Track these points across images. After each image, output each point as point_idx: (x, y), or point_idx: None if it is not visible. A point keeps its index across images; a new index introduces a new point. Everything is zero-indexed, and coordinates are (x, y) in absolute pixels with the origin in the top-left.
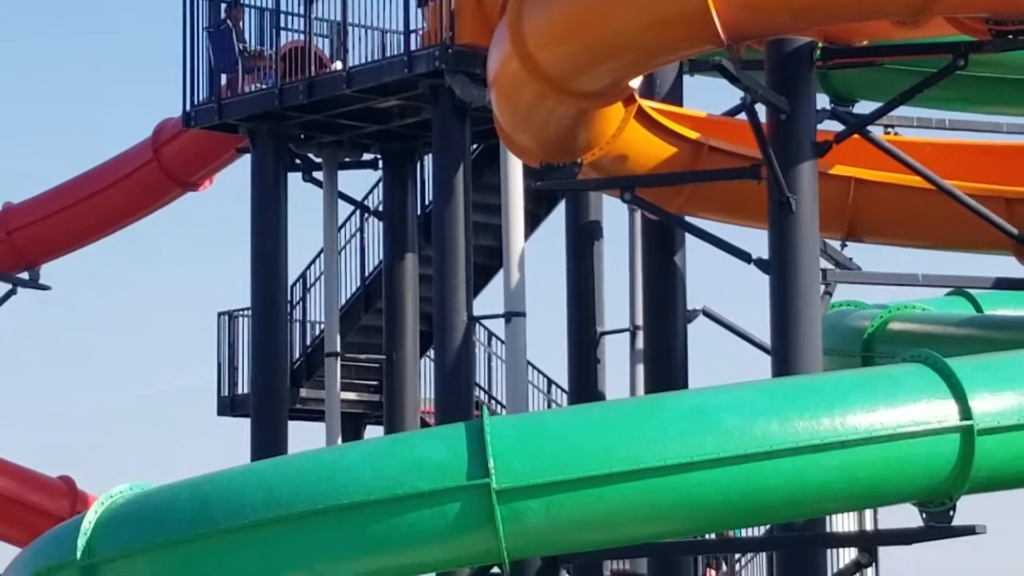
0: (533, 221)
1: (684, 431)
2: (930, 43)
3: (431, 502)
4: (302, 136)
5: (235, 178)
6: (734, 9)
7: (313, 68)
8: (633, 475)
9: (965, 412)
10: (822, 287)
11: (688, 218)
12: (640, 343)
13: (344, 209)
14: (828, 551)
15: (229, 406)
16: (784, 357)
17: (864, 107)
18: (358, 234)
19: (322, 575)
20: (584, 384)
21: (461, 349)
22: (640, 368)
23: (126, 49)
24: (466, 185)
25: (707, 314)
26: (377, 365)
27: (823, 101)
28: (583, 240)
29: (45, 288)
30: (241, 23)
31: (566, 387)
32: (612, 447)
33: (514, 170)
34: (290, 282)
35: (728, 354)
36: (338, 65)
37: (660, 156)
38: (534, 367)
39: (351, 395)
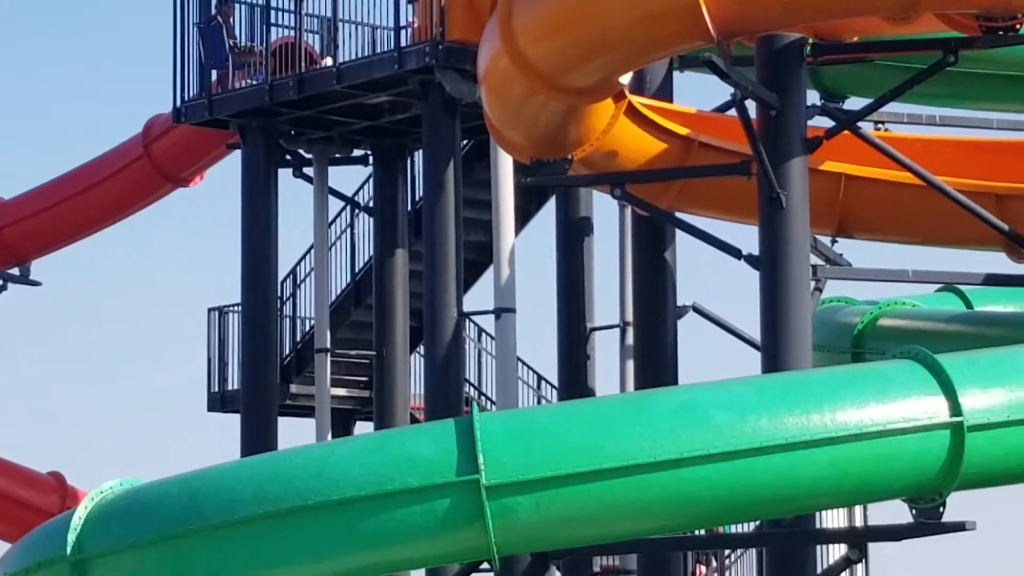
0: (523, 217)
1: (674, 427)
2: (920, 39)
3: (421, 498)
4: (292, 132)
5: (225, 174)
6: (724, 5)
7: (303, 64)
8: (623, 471)
9: (955, 408)
10: (812, 283)
11: (678, 214)
12: (630, 339)
13: (334, 205)
14: (817, 547)
15: (219, 402)
16: (774, 353)
17: (854, 103)
18: (348, 230)
19: (312, 571)
20: (574, 380)
21: (451, 345)
22: (630, 364)
23: (116, 45)
24: (456, 181)
25: (697, 310)
26: (367, 361)
27: (813, 97)
28: (573, 236)
29: (36, 284)
30: (231, 19)
31: (556, 383)
32: (602, 443)
33: (504, 166)
34: (280, 278)
35: (718, 350)
36: (328, 61)
37: (650, 152)
38: (524, 363)
39: (341, 391)
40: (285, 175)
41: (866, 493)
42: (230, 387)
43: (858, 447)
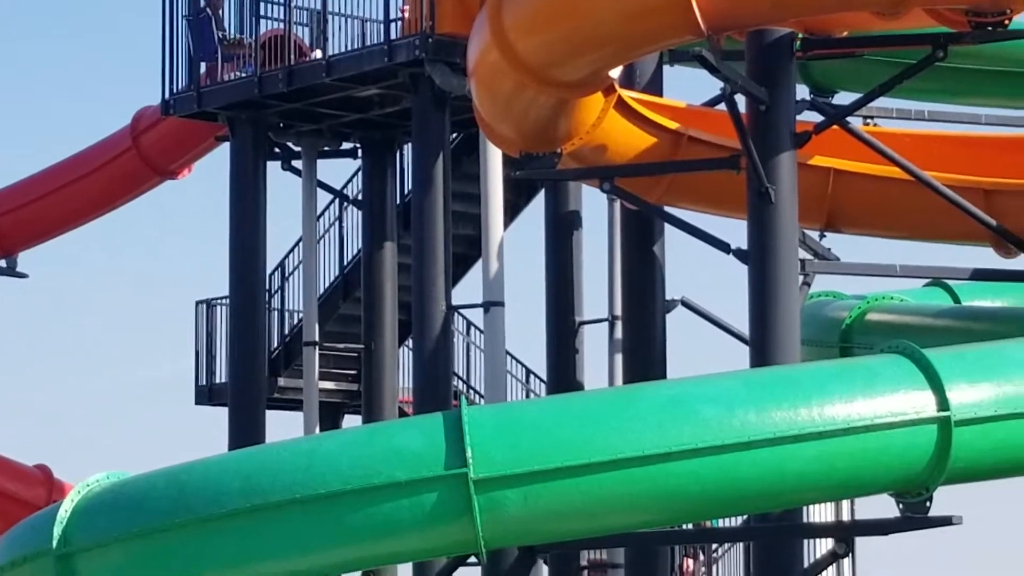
0: (512, 211)
1: (662, 421)
2: (910, 34)
3: (409, 492)
4: (281, 125)
5: (214, 166)
6: (714, 0)
7: (293, 56)
8: (611, 465)
9: (942, 403)
10: (801, 278)
11: (667, 208)
12: (619, 333)
13: (323, 198)
14: (804, 541)
15: (207, 395)
16: (762, 347)
17: (844, 98)
18: (337, 223)
19: (299, 565)
20: (563, 374)
21: (440, 339)
22: (619, 358)
23: (104, 37)
24: (445, 174)
25: (686, 304)
26: (355, 354)
27: (803, 92)
28: (562, 230)
29: (23, 276)
30: (220, 11)
31: (544, 377)
32: (590, 437)
33: (493, 159)
34: (269, 271)
35: (707, 344)
36: (318, 54)
37: (640, 146)
38: (513, 357)
39: (329, 384)
40: (274, 168)
41: (853, 487)
42: (218, 380)
43: (845, 441)
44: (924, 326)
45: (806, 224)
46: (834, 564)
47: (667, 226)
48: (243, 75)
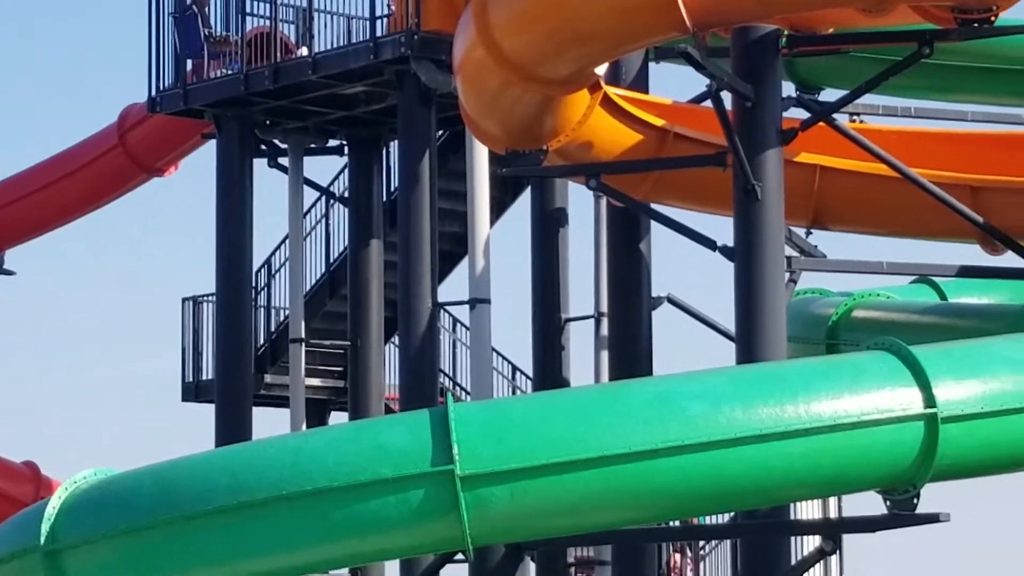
0: (499, 208)
1: (649, 418)
2: (896, 31)
3: (395, 488)
4: (267, 122)
5: (200, 164)
6: None
7: (279, 54)
8: (598, 462)
9: (929, 400)
10: (787, 275)
11: (653, 205)
12: (605, 330)
13: (309, 195)
14: (792, 538)
15: (193, 392)
16: (749, 344)
17: (830, 95)
18: (323, 220)
19: (285, 561)
20: (549, 371)
21: (426, 335)
22: (605, 355)
23: (91, 34)
24: (432, 171)
25: (672, 301)
26: (342, 351)
27: (789, 89)
28: (548, 227)
29: (10, 273)
30: (207, 8)
31: (531, 374)
32: (577, 434)
33: (480, 157)
34: (255, 268)
35: (693, 341)
36: (304, 51)
37: (626, 143)
38: (499, 354)
39: (316, 381)
40: (260, 165)
41: (840, 484)
42: (204, 377)
43: (832, 438)
44: (911, 323)
45: (792, 221)
46: (821, 561)
47: (653, 223)
48: (229, 72)
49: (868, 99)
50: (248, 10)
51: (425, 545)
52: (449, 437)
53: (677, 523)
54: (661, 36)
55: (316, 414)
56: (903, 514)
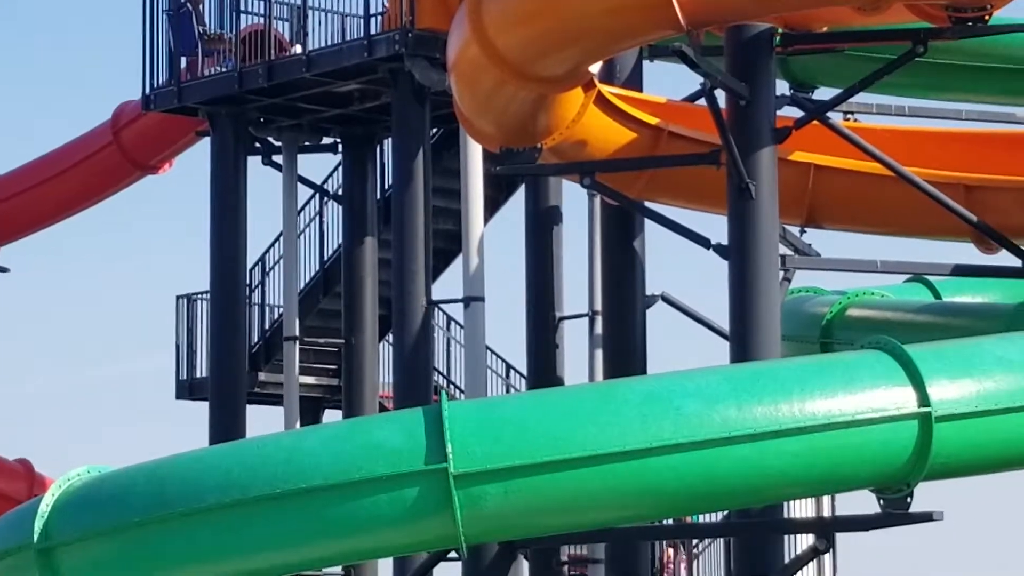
0: (492, 206)
1: (643, 416)
2: (890, 30)
3: (389, 487)
4: (262, 119)
5: (194, 161)
6: None
7: (273, 52)
8: (591, 460)
9: (923, 399)
10: (781, 273)
11: (647, 203)
12: (599, 328)
13: (303, 193)
14: (785, 537)
15: (187, 390)
16: (743, 343)
17: (824, 93)
18: (317, 218)
19: (280, 559)
20: (543, 369)
21: (420, 334)
22: (599, 353)
23: (85, 32)
24: (426, 169)
25: (666, 299)
26: (336, 349)
27: (783, 87)
28: (542, 225)
29: (4, 271)
30: (201, 6)
31: (525, 372)
32: (570, 432)
33: (474, 155)
34: (249, 266)
35: (687, 340)
36: (298, 49)
37: (620, 141)
38: (493, 352)
39: (310, 379)
40: (254, 163)
41: (834, 483)
42: (198, 375)
43: (826, 437)
44: (905, 322)
45: (786, 220)
46: (815, 560)
47: (647, 221)
48: (223, 70)
49: (862, 98)
50: (242, 8)
51: (419, 543)
52: (443, 435)
53: (671, 521)
54: (655, 34)
55: (310, 412)
56: (897, 513)
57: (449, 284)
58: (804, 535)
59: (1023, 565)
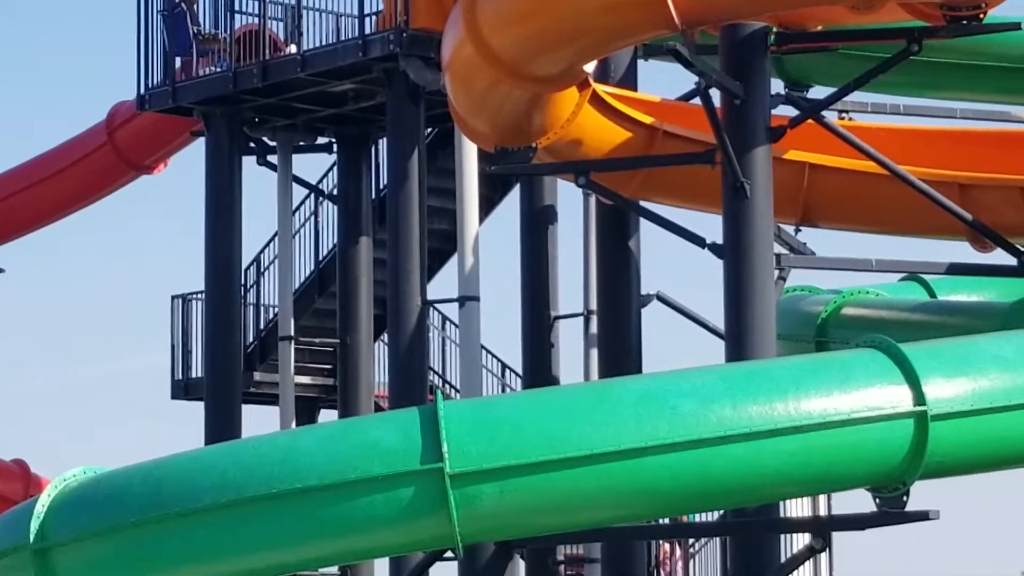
0: (487, 205)
1: (638, 416)
2: (884, 28)
3: (384, 486)
4: (256, 119)
5: (189, 161)
6: None
7: (267, 51)
8: (587, 460)
9: (919, 398)
10: (776, 272)
11: (642, 203)
12: (594, 327)
13: (298, 193)
14: (781, 536)
15: (183, 390)
16: (738, 342)
17: (818, 92)
18: (312, 218)
19: (275, 559)
20: (538, 368)
21: (415, 333)
22: (594, 352)
23: (79, 32)
24: (420, 169)
25: (661, 299)
26: (331, 349)
27: (777, 86)
28: (537, 225)
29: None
30: (195, 6)
31: (520, 371)
32: (566, 432)
33: (468, 154)
34: (244, 265)
35: (682, 339)
36: (292, 48)
37: (614, 141)
38: (488, 351)
39: (305, 379)
40: (249, 163)
41: (829, 482)
42: (194, 375)
43: (822, 436)
44: (900, 321)
45: (781, 218)
46: (811, 559)
47: (642, 220)
48: (218, 70)
49: (857, 96)
50: (237, 8)
51: (414, 543)
52: (438, 435)
53: (667, 521)
54: (650, 33)
55: (305, 412)
56: (893, 512)
57: (444, 284)
58: (800, 534)
59: (1018, 564)
